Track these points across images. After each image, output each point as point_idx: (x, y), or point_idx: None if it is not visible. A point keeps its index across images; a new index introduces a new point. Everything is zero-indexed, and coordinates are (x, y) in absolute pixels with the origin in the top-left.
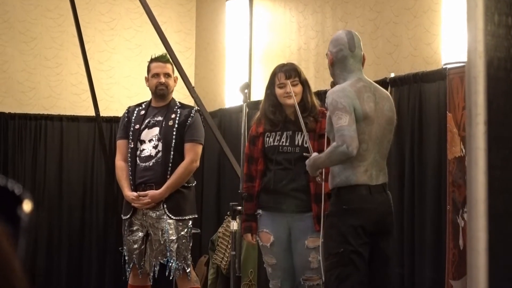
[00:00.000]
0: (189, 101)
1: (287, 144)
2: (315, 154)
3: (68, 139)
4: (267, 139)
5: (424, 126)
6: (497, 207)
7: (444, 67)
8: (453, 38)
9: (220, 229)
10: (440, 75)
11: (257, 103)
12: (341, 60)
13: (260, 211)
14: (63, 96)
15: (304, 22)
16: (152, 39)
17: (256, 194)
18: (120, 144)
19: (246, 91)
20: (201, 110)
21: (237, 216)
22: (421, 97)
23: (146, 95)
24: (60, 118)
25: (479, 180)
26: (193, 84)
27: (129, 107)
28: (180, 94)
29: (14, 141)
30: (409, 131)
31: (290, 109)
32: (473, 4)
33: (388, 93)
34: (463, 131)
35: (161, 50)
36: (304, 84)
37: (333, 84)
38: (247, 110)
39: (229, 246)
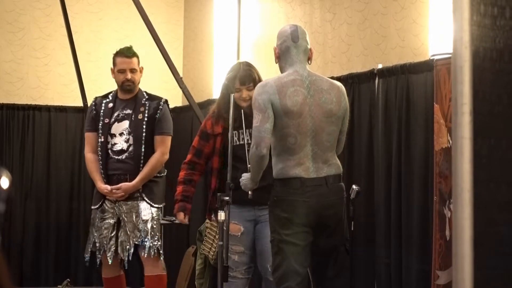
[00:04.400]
0: (177, 91)
1: (251, 141)
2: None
3: (56, 130)
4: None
5: (411, 117)
6: (483, 196)
7: (431, 58)
8: (440, 30)
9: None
10: (427, 67)
11: None
12: (285, 51)
13: (226, 203)
14: (51, 86)
15: (292, 13)
16: (140, 29)
17: (214, 189)
18: (89, 136)
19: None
20: (189, 100)
21: (225, 207)
22: (408, 88)
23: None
24: (48, 108)
25: (465, 169)
26: (181, 75)
27: (96, 99)
28: (168, 85)
29: (2, 132)
30: (397, 122)
31: (248, 108)
32: None
33: (334, 83)
34: (450, 122)
35: (149, 41)
36: None
37: None
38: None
39: (216, 237)
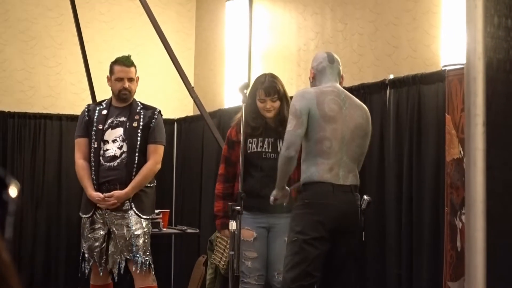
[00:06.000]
0: (189, 101)
1: (270, 150)
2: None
3: (67, 138)
4: (250, 145)
5: (422, 128)
6: (496, 207)
7: (443, 69)
8: (452, 40)
9: None
10: (439, 77)
11: None
12: (321, 71)
13: (238, 213)
14: (63, 95)
15: (304, 23)
16: (152, 39)
17: (235, 195)
18: (81, 142)
19: (245, 91)
20: (201, 110)
21: (236, 216)
22: (420, 99)
23: (143, 93)
24: (59, 117)
25: (478, 181)
26: (192, 85)
27: (89, 105)
28: (179, 94)
29: (13, 140)
30: (408, 132)
31: (271, 118)
32: (473, 5)
33: (363, 104)
34: (461, 133)
35: (161, 50)
36: (283, 98)
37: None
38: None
39: (227, 246)
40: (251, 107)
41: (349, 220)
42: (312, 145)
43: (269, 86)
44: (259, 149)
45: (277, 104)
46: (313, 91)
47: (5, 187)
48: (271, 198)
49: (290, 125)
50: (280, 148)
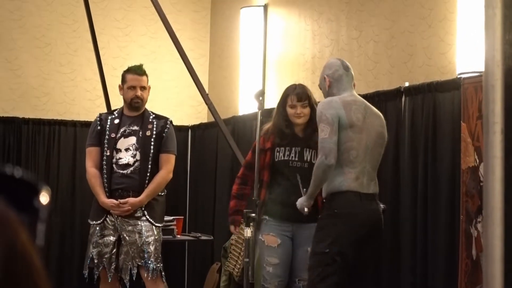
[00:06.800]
0: (203, 108)
1: (296, 159)
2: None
3: (81, 145)
4: (277, 153)
5: (438, 136)
6: None
7: (458, 76)
8: (468, 48)
9: (233, 236)
10: (454, 85)
11: (271, 110)
12: (338, 79)
13: (267, 217)
14: (77, 101)
15: (319, 30)
16: (167, 45)
17: (262, 201)
18: (92, 151)
19: (260, 98)
20: (215, 117)
21: (251, 223)
22: (435, 107)
23: (157, 100)
24: (74, 123)
25: (496, 188)
26: (206, 91)
27: (101, 115)
28: (193, 101)
29: (28, 146)
30: (423, 140)
31: (299, 127)
32: (492, 14)
33: (379, 113)
34: (477, 141)
35: (175, 57)
36: (313, 106)
37: None
38: (261, 117)
39: (241, 253)
40: (283, 114)
41: (374, 228)
42: (339, 155)
43: (301, 92)
44: (285, 158)
45: (307, 110)
46: (339, 101)
47: (37, 194)
48: (304, 209)
49: (324, 133)
50: (307, 158)
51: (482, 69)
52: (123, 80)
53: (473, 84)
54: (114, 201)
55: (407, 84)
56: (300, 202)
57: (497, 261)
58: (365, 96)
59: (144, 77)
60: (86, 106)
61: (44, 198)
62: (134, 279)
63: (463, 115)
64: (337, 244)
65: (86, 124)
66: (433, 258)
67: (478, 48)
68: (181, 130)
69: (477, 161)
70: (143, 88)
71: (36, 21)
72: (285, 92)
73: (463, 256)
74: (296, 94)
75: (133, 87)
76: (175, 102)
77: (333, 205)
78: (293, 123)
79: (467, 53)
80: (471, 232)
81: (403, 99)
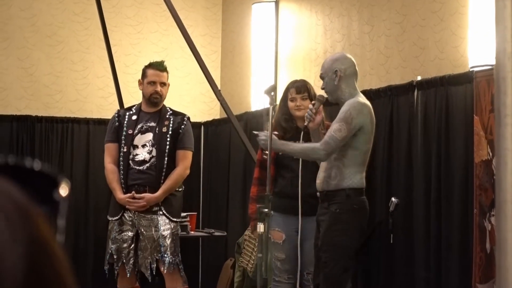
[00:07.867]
0: (215, 104)
1: None
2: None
3: (94, 143)
4: None
5: (450, 130)
6: None
7: (471, 70)
8: (480, 41)
9: (247, 232)
10: (467, 78)
11: None
12: (349, 76)
13: (272, 212)
14: (90, 99)
15: (331, 25)
16: (178, 42)
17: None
18: (110, 147)
19: (272, 93)
20: (227, 113)
21: (264, 219)
22: (447, 100)
23: (170, 96)
24: (87, 121)
25: (508, 181)
26: (219, 87)
27: (119, 111)
28: (205, 97)
29: (41, 144)
30: (436, 134)
31: (300, 120)
32: (502, 6)
33: None
34: (490, 134)
35: (187, 54)
36: (313, 99)
37: (322, 98)
38: (273, 113)
39: (255, 249)
40: (283, 109)
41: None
42: (360, 154)
43: (300, 85)
44: None
45: (306, 103)
46: (369, 106)
47: (56, 186)
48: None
49: (339, 134)
50: None
51: (494, 62)
52: (144, 75)
53: (485, 77)
54: (129, 194)
55: (419, 78)
56: (268, 142)
57: (510, 254)
58: (377, 91)
59: (165, 74)
60: (99, 104)
61: (63, 190)
62: (154, 273)
63: (476, 109)
64: (357, 239)
65: (99, 121)
66: (446, 252)
67: (491, 41)
68: (194, 126)
69: (490, 154)
70: (163, 84)
71: (47, 19)
72: (287, 88)
73: (477, 250)
74: (296, 87)
75: (153, 82)
76: (188, 98)
77: (353, 200)
78: (295, 117)
79: (479, 46)
80: (484, 225)
81: (415, 93)
